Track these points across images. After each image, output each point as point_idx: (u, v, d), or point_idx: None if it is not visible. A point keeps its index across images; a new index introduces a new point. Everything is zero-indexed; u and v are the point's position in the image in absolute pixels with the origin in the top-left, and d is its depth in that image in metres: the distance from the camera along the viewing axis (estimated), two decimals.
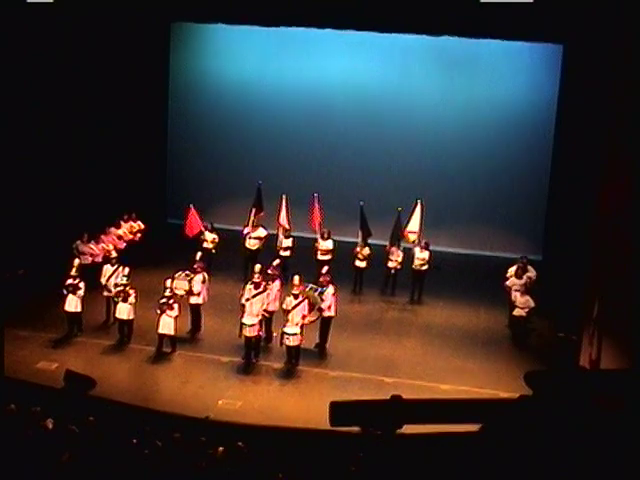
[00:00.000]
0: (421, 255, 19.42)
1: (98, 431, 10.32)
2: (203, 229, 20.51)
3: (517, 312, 17.45)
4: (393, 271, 19.74)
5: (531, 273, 18.15)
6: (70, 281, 16.38)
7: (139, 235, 20.96)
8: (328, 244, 20.03)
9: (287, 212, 20.46)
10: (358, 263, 19.85)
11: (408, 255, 19.59)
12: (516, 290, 17.67)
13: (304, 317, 15.76)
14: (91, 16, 18.92)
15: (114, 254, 18.10)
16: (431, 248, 19.85)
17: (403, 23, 18.46)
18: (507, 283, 18.09)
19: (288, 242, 20.17)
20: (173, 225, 22.50)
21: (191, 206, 20.38)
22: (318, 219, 20.55)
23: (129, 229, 20.71)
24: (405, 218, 19.81)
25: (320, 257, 19.91)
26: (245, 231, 20.41)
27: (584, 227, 16.38)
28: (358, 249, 19.82)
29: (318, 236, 20.22)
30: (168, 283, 16.42)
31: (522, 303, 17.37)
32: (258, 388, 15.06)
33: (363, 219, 19.94)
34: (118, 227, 20.35)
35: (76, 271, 16.59)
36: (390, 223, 19.91)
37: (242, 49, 23.68)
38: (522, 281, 17.80)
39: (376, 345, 17.12)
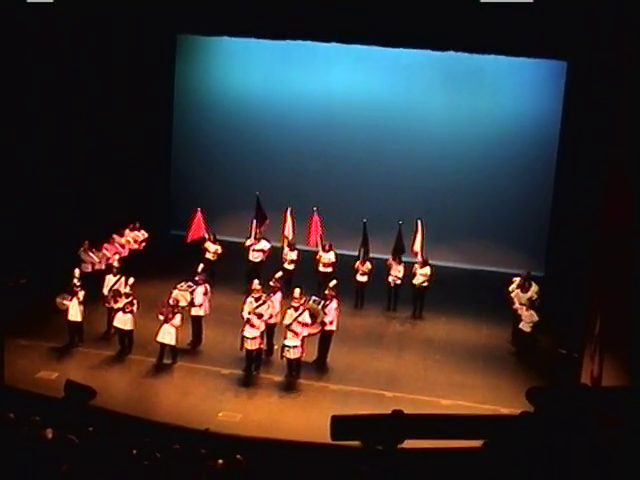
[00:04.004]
0: (422, 271, 19.43)
1: (98, 442, 10.29)
2: (206, 236, 20.61)
3: (523, 326, 17.44)
4: (393, 285, 19.76)
5: (533, 292, 18.06)
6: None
7: (143, 245, 21.04)
8: (330, 256, 20.06)
9: (293, 224, 20.54)
10: (359, 278, 19.86)
11: (409, 270, 19.62)
12: (521, 304, 17.66)
13: (306, 326, 15.71)
14: (92, 18, 18.85)
15: (116, 264, 18.11)
16: (434, 263, 19.92)
17: (408, 38, 18.51)
18: (512, 295, 18.08)
19: (293, 255, 20.18)
20: (176, 236, 22.54)
21: (198, 209, 20.51)
22: (318, 233, 20.61)
23: (134, 238, 20.79)
24: (407, 234, 19.87)
25: (321, 269, 19.96)
26: (248, 243, 20.45)
27: (587, 243, 16.37)
28: (358, 264, 19.84)
29: (320, 249, 20.27)
30: (174, 294, 16.47)
31: (527, 317, 17.37)
32: (258, 401, 15.04)
33: (365, 236, 19.98)
34: (122, 236, 20.43)
35: (77, 280, 16.62)
36: (391, 237, 19.96)
37: (247, 62, 23.78)
38: (527, 295, 17.78)
39: (377, 359, 17.10)
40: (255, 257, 20.34)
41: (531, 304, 17.50)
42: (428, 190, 22.84)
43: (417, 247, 19.92)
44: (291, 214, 20.63)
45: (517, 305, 17.83)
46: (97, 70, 20.27)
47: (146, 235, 21.15)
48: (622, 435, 4.57)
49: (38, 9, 16.94)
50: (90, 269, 18.77)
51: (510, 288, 18.39)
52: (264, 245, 20.42)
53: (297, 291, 16.17)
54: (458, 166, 22.80)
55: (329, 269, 19.88)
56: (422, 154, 22.96)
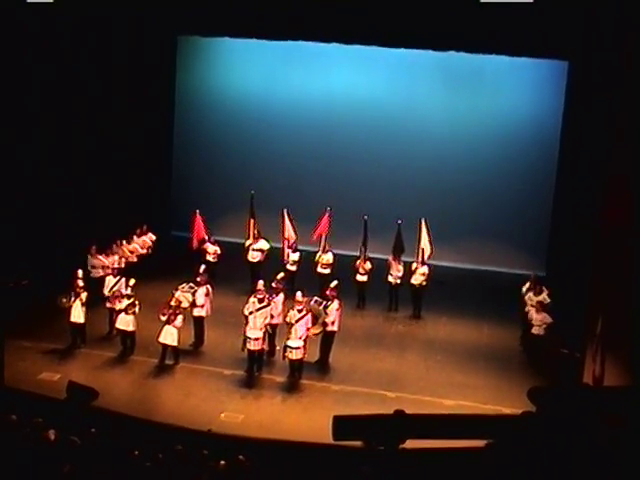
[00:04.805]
0: (421, 270, 19.41)
1: (100, 443, 10.30)
2: (205, 238, 20.62)
3: (535, 330, 17.23)
4: (393, 284, 19.76)
5: (544, 295, 18.00)
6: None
7: (150, 248, 21.00)
8: (328, 257, 20.04)
9: (292, 224, 20.50)
10: (359, 277, 19.85)
11: (408, 269, 19.62)
12: (532, 306, 17.62)
13: (308, 330, 15.74)
14: (92, 18, 18.80)
15: (116, 265, 18.05)
16: (435, 263, 19.91)
17: (408, 38, 18.51)
18: (525, 298, 18.00)
19: (295, 256, 20.15)
20: (177, 237, 22.55)
21: (197, 212, 20.53)
22: (324, 232, 20.55)
23: (141, 244, 20.73)
24: (407, 234, 19.86)
25: (320, 270, 19.94)
26: (247, 243, 20.45)
27: (588, 243, 16.36)
28: (359, 263, 19.83)
29: (320, 249, 20.23)
30: (176, 295, 16.46)
31: (539, 320, 17.22)
32: (260, 402, 15.03)
33: (366, 234, 19.97)
34: (130, 241, 20.37)
35: (80, 281, 16.61)
36: (391, 237, 19.96)
37: (247, 63, 23.77)
38: (539, 298, 17.72)
39: (379, 359, 17.10)
40: (254, 257, 20.33)
41: (542, 307, 17.43)
42: (429, 190, 22.82)
43: (425, 245, 19.73)
44: (288, 215, 20.55)
45: (528, 307, 17.78)
46: (97, 70, 20.25)
47: (154, 238, 21.14)
48: (624, 435, 4.58)
49: (38, 9, 16.92)
50: (102, 273, 18.52)
51: (522, 291, 18.32)
52: (263, 245, 20.42)
53: (299, 294, 16.13)
54: (458, 166, 22.80)
55: (327, 270, 19.84)
56: (422, 154, 22.96)
